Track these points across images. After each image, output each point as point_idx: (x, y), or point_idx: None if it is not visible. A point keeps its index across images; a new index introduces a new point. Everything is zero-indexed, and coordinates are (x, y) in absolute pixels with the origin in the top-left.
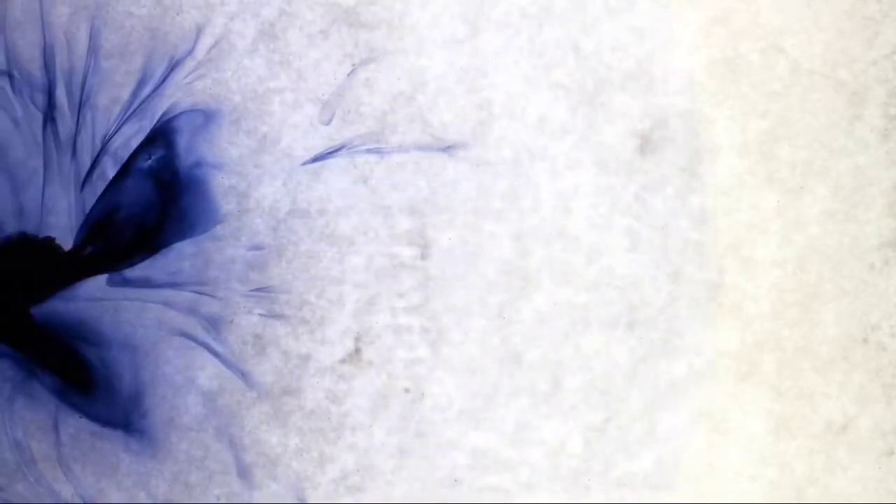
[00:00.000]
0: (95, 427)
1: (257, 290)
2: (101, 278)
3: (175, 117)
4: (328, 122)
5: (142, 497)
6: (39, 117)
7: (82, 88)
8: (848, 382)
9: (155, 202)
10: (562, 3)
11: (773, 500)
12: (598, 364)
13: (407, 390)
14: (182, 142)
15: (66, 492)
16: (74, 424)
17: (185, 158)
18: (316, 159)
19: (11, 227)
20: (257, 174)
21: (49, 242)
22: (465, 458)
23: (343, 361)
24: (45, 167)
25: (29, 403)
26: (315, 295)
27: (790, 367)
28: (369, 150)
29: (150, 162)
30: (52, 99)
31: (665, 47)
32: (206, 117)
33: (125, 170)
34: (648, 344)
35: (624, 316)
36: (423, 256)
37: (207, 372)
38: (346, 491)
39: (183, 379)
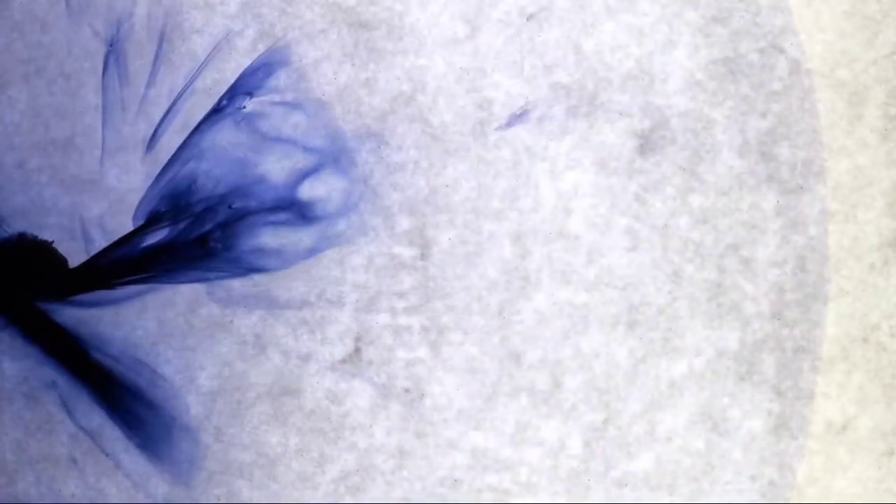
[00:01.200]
0: (98, 428)
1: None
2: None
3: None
4: (521, 74)
5: (142, 497)
6: (101, 48)
7: (167, 9)
8: (848, 382)
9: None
10: (562, 3)
11: (773, 500)
12: (598, 364)
13: (407, 390)
14: (315, 76)
15: (66, 492)
16: (75, 424)
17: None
18: (510, 123)
19: (60, 192)
20: (258, 174)
21: (46, 246)
22: (465, 458)
23: (343, 361)
24: (105, 109)
25: (29, 403)
26: (315, 295)
27: (790, 367)
28: (568, 110)
29: (246, 107)
30: (121, 24)
31: (665, 47)
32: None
33: (214, 117)
34: (648, 344)
35: (624, 316)
36: (423, 256)
37: (207, 372)
38: (346, 491)
39: (183, 379)
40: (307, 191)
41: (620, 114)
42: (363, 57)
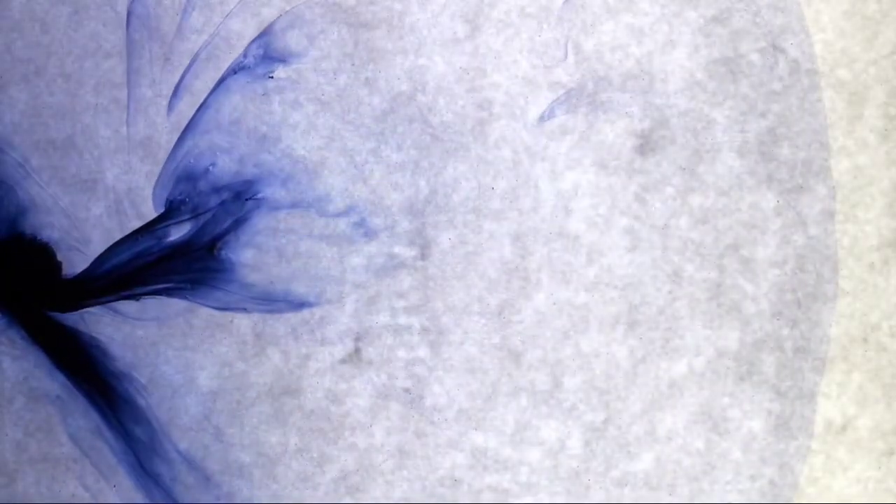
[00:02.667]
0: (96, 427)
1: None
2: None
3: None
4: (564, 59)
5: (141, 497)
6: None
7: None
8: (848, 382)
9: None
10: (562, 3)
11: (773, 500)
12: (598, 364)
13: (407, 390)
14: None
15: (66, 492)
16: (74, 425)
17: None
18: (550, 115)
19: (60, 192)
20: (257, 174)
21: (44, 247)
22: (465, 458)
23: (343, 361)
24: (130, 55)
25: (29, 403)
26: (315, 295)
27: (790, 367)
28: (568, 110)
29: (273, 76)
30: None
31: (665, 47)
32: None
33: (236, 79)
34: (648, 344)
35: (624, 316)
36: (423, 256)
37: (207, 372)
38: (346, 491)
39: (183, 379)
40: (358, 189)
41: (620, 114)
42: (363, 57)
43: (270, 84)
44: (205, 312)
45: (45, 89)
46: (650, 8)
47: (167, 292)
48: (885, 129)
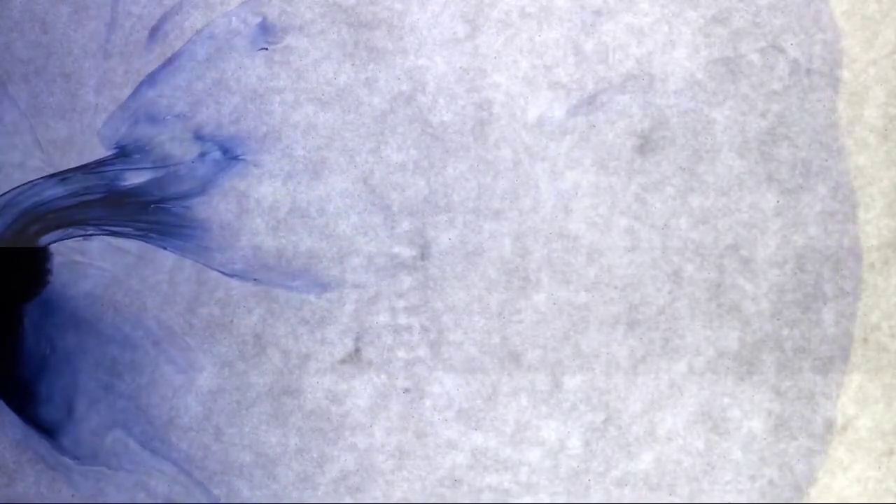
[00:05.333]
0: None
1: None
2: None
3: None
4: (521, 74)
5: (142, 497)
6: None
7: None
8: (848, 382)
9: None
10: (562, 3)
11: (773, 500)
12: (598, 364)
13: (407, 390)
14: None
15: (66, 492)
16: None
17: None
18: (550, 115)
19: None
20: (257, 174)
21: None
22: (465, 458)
23: (343, 361)
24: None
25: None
26: (315, 295)
27: (790, 367)
28: (568, 110)
29: (268, 49)
30: None
31: (665, 47)
32: None
33: (231, 37)
34: (648, 344)
35: (624, 316)
36: (423, 256)
37: (207, 372)
38: (346, 491)
39: (183, 379)
40: (358, 189)
41: (620, 114)
42: (363, 57)
43: (272, 84)
44: (205, 312)
45: (45, 89)
46: (650, 8)
47: (138, 237)
48: (885, 129)
